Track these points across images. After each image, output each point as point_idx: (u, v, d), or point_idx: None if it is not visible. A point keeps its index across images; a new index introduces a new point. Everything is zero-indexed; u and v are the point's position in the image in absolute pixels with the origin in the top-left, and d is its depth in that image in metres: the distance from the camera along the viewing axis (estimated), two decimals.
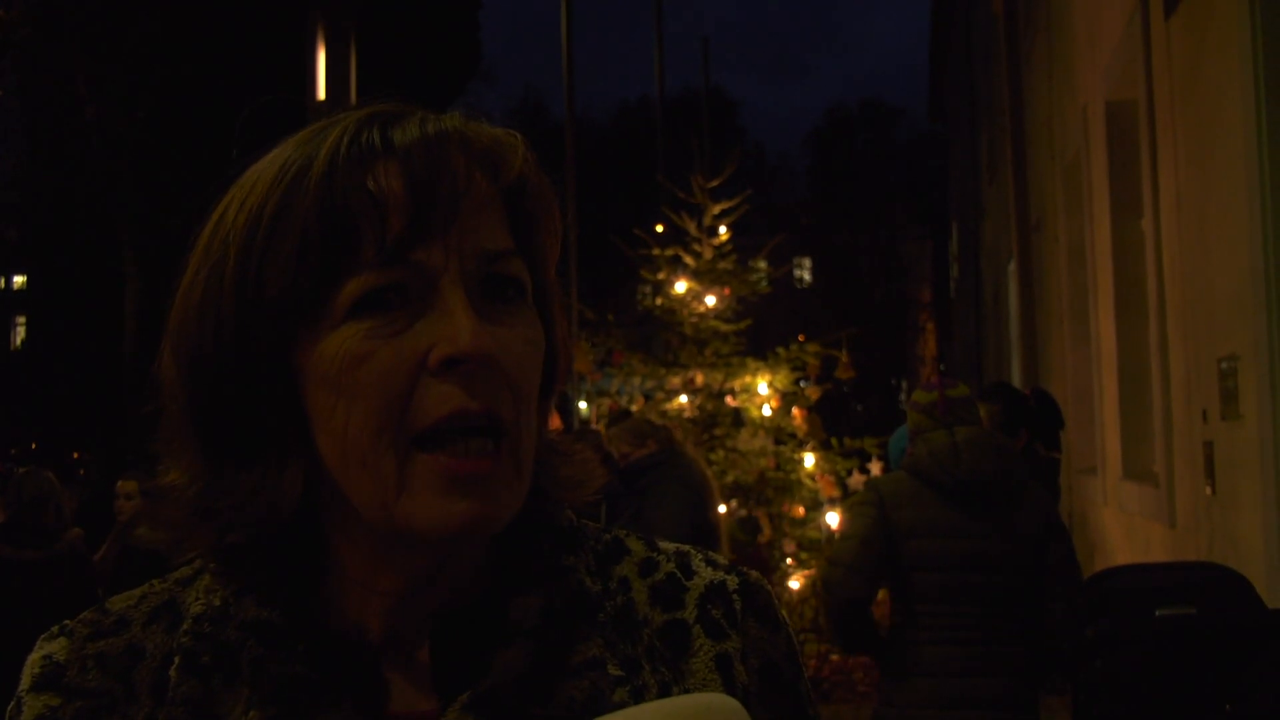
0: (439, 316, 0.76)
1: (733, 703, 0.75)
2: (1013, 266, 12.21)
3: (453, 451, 0.76)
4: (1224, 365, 4.47)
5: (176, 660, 0.81)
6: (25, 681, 0.83)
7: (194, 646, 0.81)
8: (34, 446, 25.90)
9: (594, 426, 8.12)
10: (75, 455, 22.80)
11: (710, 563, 0.91)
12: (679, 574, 0.89)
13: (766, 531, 8.17)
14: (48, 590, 5.48)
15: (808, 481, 8.46)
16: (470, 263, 0.78)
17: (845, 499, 8.46)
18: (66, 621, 0.86)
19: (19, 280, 33.45)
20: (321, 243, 0.76)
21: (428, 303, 0.77)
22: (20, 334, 34.19)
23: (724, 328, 8.69)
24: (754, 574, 0.92)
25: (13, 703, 0.83)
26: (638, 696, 0.81)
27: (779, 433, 8.65)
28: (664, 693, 0.82)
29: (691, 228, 8.94)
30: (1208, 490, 4.81)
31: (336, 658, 0.80)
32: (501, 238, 0.80)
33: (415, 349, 0.76)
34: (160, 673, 0.81)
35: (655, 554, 0.91)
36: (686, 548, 0.92)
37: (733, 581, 0.89)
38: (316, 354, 0.77)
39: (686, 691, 0.83)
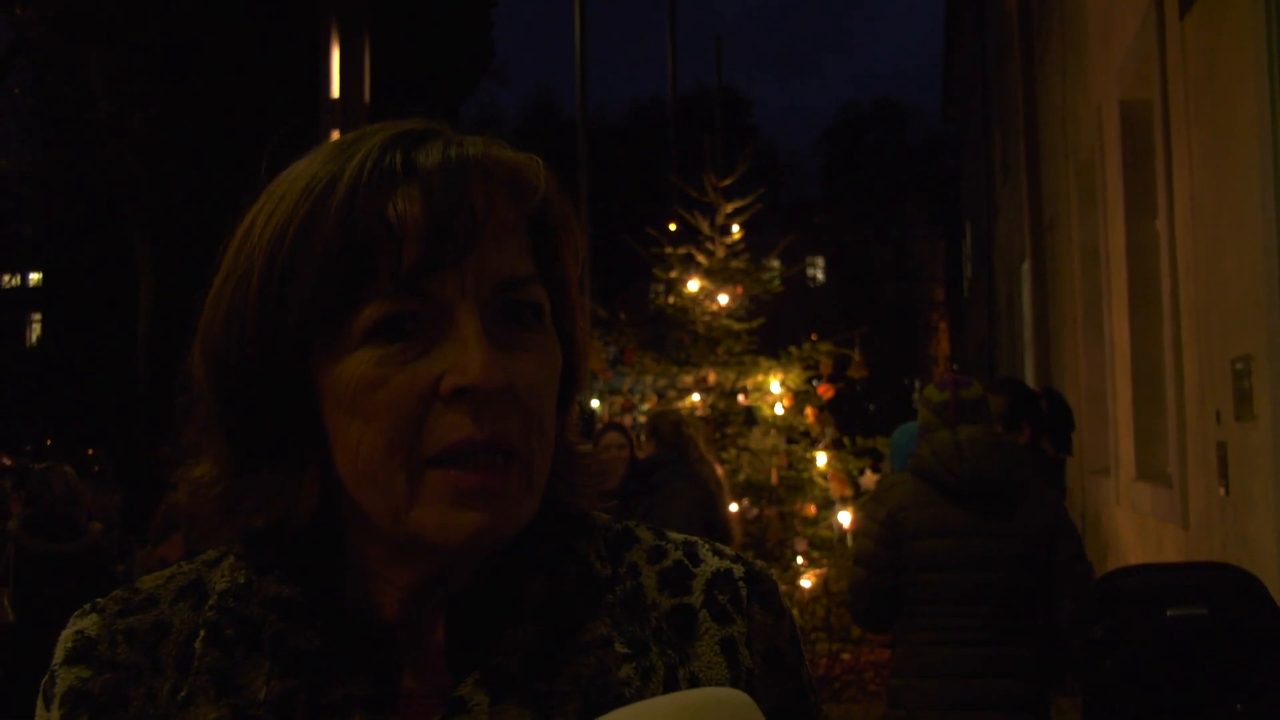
0: (452, 346, 0.78)
1: (743, 696, 0.76)
2: (1026, 266, 12.19)
3: (461, 465, 0.78)
4: (1238, 366, 4.46)
5: (201, 633, 0.84)
6: (59, 655, 0.86)
7: (219, 620, 0.84)
8: (49, 443, 26.01)
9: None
10: (90, 452, 22.86)
11: (717, 552, 0.94)
12: (687, 561, 0.92)
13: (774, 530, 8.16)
14: (78, 582, 5.55)
15: (820, 480, 8.46)
16: (487, 290, 0.80)
17: (857, 498, 8.46)
18: (98, 599, 0.90)
19: (34, 277, 33.58)
20: (341, 266, 0.78)
21: (442, 331, 0.79)
22: (35, 331, 34.34)
23: (736, 326, 8.69)
24: (759, 564, 0.95)
25: (47, 676, 0.86)
26: (644, 676, 0.83)
27: (791, 431, 8.65)
28: (670, 673, 0.85)
29: (704, 226, 8.94)
30: (1221, 491, 4.80)
31: (354, 634, 0.84)
32: (522, 264, 0.82)
33: (427, 377, 0.78)
34: (186, 646, 0.85)
35: (664, 543, 0.94)
36: (694, 538, 0.95)
37: (738, 570, 0.92)
38: (333, 376, 0.80)
39: (692, 673, 0.86)
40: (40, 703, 0.86)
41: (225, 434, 0.83)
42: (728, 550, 0.94)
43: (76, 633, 0.87)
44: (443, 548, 0.79)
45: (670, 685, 0.84)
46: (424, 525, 0.78)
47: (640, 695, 0.81)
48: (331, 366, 0.79)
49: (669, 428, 5.89)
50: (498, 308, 0.81)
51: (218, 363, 0.83)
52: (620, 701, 0.79)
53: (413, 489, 0.78)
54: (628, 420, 8.38)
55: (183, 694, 0.81)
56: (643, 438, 6.03)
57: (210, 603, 0.86)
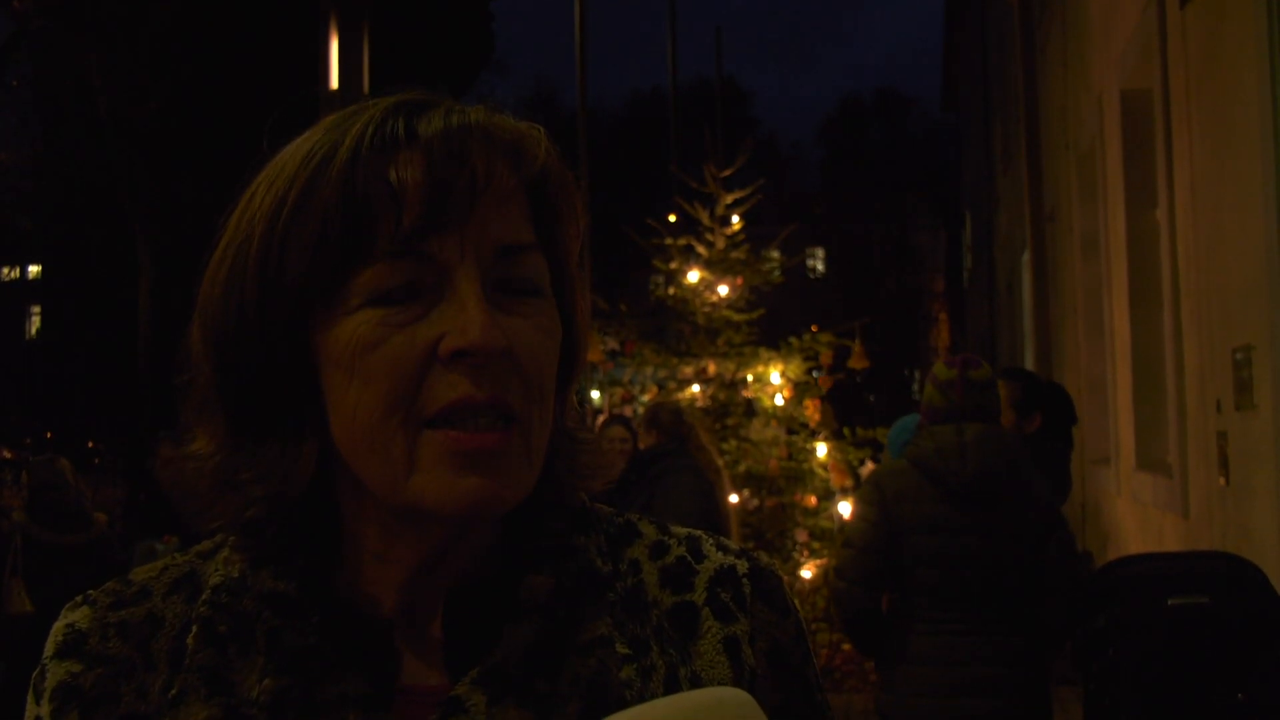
0: (451, 308, 0.77)
1: (744, 695, 0.75)
2: (1026, 257, 12.18)
3: (461, 427, 0.77)
4: (1238, 355, 4.46)
5: (194, 629, 0.82)
6: (49, 649, 0.85)
7: (211, 615, 0.82)
8: (49, 436, 26.00)
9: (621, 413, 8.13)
10: (90, 444, 22.86)
11: (721, 547, 0.91)
12: (689, 557, 0.90)
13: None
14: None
15: (820, 471, 8.46)
16: (487, 255, 0.79)
17: (857, 489, 8.47)
18: (90, 591, 0.88)
19: (34, 270, 33.56)
20: (340, 230, 0.77)
21: (442, 294, 0.78)
22: (35, 324, 34.33)
23: (736, 317, 8.69)
24: (764, 559, 0.92)
25: (37, 670, 0.85)
26: (645, 676, 0.81)
27: (791, 422, 8.65)
28: (671, 673, 0.83)
29: (704, 217, 8.93)
30: (1221, 481, 4.80)
31: (350, 630, 0.82)
32: (522, 231, 0.82)
33: (426, 338, 0.77)
34: (178, 641, 0.83)
35: (666, 537, 0.92)
36: (698, 532, 0.93)
37: (743, 566, 0.90)
38: (331, 338, 0.78)
39: (693, 673, 0.84)
40: (31, 697, 0.84)
41: (223, 405, 0.82)
42: (733, 545, 0.92)
43: (67, 626, 0.85)
44: (442, 514, 0.78)
45: (671, 685, 0.82)
46: (423, 491, 0.77)
47: (641, 696, 0.80)
48: (330, 329, 0.78)
49: (670, 417, 5.88)
50: (498, 274, 0.80)
51: (216, 332, 0.82)
52: (621, 703, 0.78)
53: (411, 452, 0.77)
54: (628, 411, 8.39)
55: (174, 692, 0.80)
56: (640, 430, 6.01)
57: (203, 597, 0.84)
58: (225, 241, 0.83)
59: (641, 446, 5.83)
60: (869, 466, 9.08)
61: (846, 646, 8.11)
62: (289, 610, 0.80)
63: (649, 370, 8.83)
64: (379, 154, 0.78)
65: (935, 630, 3.53)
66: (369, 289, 0.77)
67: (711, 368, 8.55)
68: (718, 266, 8.77)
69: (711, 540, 0.92)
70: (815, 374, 8.86)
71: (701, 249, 8.87)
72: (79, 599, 0.87)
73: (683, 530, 0.93)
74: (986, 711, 3.48)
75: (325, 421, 0.81)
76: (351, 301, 0.78)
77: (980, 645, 3.51)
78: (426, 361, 0.77)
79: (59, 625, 0.86)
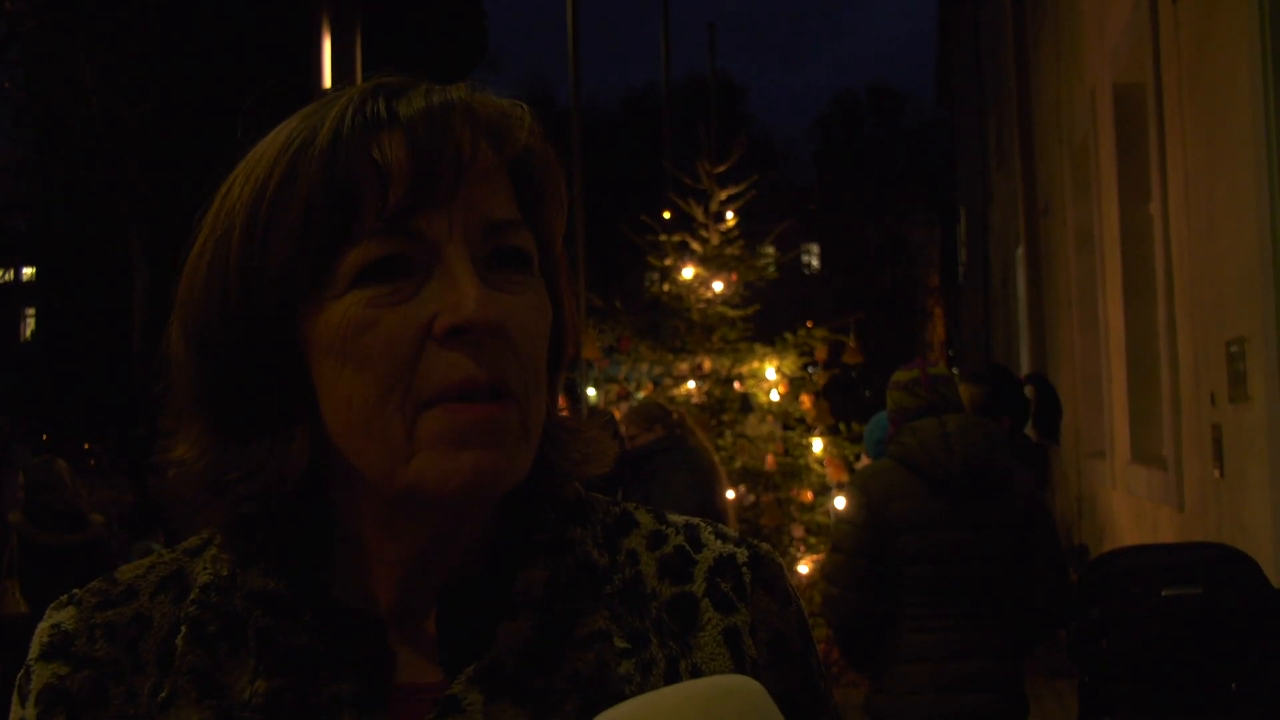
0: (444, 284, 0.76)
1: (752, 683, 0.74)
2: (1020, 251, 12.20)
3: (459, 401, 0.75)
4: (1232, 348, 4.47)
5: (183, 630, 0.81)
6: (34, 650, 0.83)
7: (200, 616, 0.80)
8: (45, 437, 25.95)
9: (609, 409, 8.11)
10: (86, 446, 22.80)
11: (720, 535, 0.90)
12: (688, 547, 0.88)
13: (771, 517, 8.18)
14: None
15: (816, 466, 8.47)
16: (475, 232, 0.78)
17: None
18: (75, 590, 0.86)
19: (28, 272, 33.49)
20: (325, 212, 0.76)
21: (432, 271, 0.76)
22: (30, 325, 34.26)
23: (731, 313, 8.68)
24: (764, 547, 0.91)
25: (22, 671, 0.83)
26: (644, 670, 0.80)
27: (787, 418, 8.66)
28: (671, 666, 0.82)
29: (698, 214, 8.92)
30: (1216, 473, 4.81)
31: (343, 629, 0.80)
32: (507, 208, 0.80)
33: (420, 316, 0.75)
34: (167, 642, 0.81)
35: (664, 527, 0.90)
36: (696, 520, 0.92)
37: (742, 554, 0.88)
38: (321, 322, 0.77)
39: (694, 665, 0.83)
40: (15, 699, 0.83)
41: (208, 406, 0.80)
42: (731, 533, 0.90)
43: (53, 626, 0.83)
44: (442, 494, 0.76)
45: (671, 678, 0.81)
46: (423, 472, 0.75)
47: (640, 691, 0.78)
48: (318, 315, 0.76)
49: (660, 413, 5.88)
50: (487, 252, 0.78)
51: (199, 329, 0.79)
52: (620, 699, 0.76)
53: (410, 434, 0.75)
54: (624, 409, 8.40)
55: (163, 695, 0.78)
56: (635, 430, 5.95)
57: (192, 596, 0.82)
58: (204, 236, 0.80)
59: (630, 446, 5.80)
60: (864, 461, 9.10)
61: None
62: (280, 609, 0.79)
63: (644, 367, 8.82)
64: (361, 134, 0.77)
65: (927, 628, 3.53)
66: (356, 267, 0.75)
67: (707, 364, 8.55)
68: (712, 263, 8.77)
69: (710, 528, 0.90)
70: (810, 369, 8.86)
71: (696, 245, 8.86)
72: (64, 598, 0.85)
73: (680, 518, 0.91)
74: (977, 705, 3.50)
75: (315, 414, 0.79)
76: (339, 285, 0.76)
77: (971, 639, 3.52)
78: (421, 341, 0.75)
79: (44, 626, 0.84)
